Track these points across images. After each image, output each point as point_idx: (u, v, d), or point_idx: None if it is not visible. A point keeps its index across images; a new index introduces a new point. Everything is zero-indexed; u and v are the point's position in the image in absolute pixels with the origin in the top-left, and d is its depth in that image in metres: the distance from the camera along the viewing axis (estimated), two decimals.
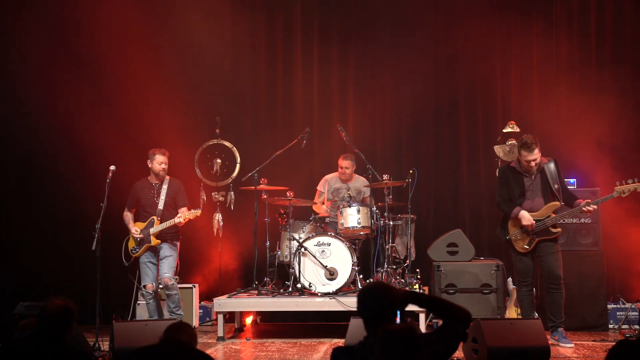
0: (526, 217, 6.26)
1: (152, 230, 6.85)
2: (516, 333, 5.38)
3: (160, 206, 6.94)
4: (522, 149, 6.29)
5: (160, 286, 6.97)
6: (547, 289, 6.42)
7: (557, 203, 6.31)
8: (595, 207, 6.29)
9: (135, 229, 6.89)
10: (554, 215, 6.29)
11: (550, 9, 8.28)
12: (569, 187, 6.76)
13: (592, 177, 7.61)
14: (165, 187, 7.00)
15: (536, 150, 6.25)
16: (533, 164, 6.29)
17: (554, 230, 6.32)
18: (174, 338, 3.37)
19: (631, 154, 7.78)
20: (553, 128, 7.95)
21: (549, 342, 5.61)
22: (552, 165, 6.37)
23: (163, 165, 6.96)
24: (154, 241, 6.87)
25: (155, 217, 6.90)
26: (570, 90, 8.04)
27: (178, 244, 7.07)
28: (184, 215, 6.81)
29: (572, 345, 6.16)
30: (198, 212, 6.89)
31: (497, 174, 6.91)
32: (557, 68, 8.22)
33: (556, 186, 6.32)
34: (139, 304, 7.33)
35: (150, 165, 6.99)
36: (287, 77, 8.65)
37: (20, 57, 8.33)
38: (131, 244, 6.95)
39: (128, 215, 7.02)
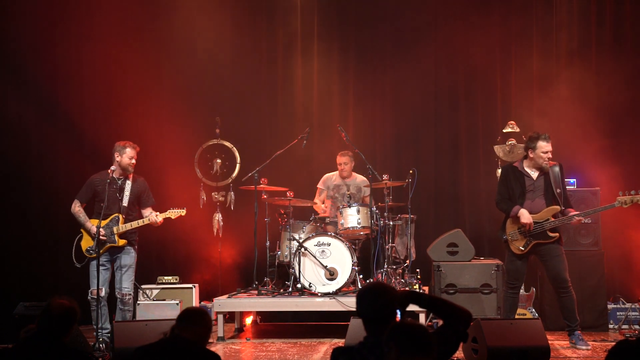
0: (525, 215, 6.22)
1: (117, 230, 6.28)
2: (516, 333, 5.38)
3: (125, 203, 6.36)
4: (539, 139, 6.27)
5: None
6: (557, 293, 6.36)
7: (558, 207, 6.27)
8: (582, 218, 6.27)
9: (97, 227, 6.21)
10: (552, 219, 6.26)
11: (551, 9, 8.27)
12: (567, 188, 6.72)
13: (593, 177, 7.60)
14: (129, 183, 6.42)
15: (551, 143, 6.28)
16: (550, 155, 6.27)
17: (551, 234, 6.25)
18: (179, 335, 3.30)
19: (632, 153, 7.78)
20: (553, 127, 7.93)
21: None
22: (556, 169, 6.35)
23: (133, 161, 6.39)
24: (119, 242, 6.29)
25: (120, 215, 6.33)
26: (570, 89, 8.03)
27: (136, 249, 6.52)
28: (164, 214, 6.36)
29: (589, 347, 6.14)
30: (183, 211, 6.52)
31: (497, 174, 6.90)
32: (557, 67, 8.21)
33: (558, 190, 6.29)
34: (139, 304, 7.32)
35: (118, 159, 6.37)
36: (287, 77, 8.65)
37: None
38: (87, 244, 6.33)
39: (81, 211, 6.38)
